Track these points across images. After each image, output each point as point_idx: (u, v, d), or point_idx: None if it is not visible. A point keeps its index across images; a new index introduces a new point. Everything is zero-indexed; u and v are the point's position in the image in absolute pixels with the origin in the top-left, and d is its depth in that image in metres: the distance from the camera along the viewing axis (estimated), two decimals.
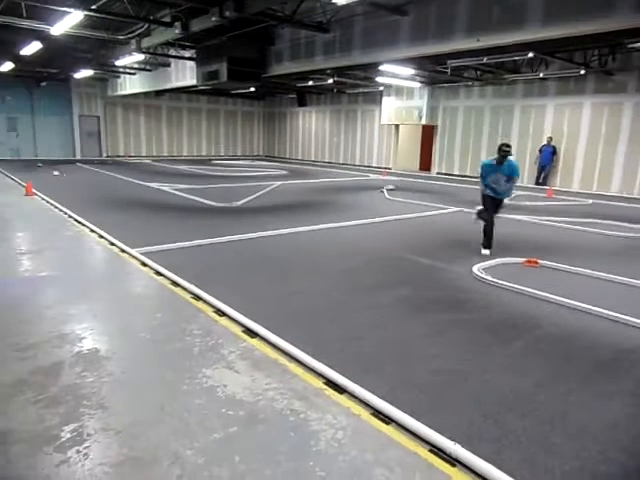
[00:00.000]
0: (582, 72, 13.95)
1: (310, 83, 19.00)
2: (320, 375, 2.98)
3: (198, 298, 4.26)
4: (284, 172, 18.92)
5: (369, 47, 10.19)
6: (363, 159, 23.14)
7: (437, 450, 2.34)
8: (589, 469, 2.33)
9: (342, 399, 2.73)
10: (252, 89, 21.27)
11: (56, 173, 11.46)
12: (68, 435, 2.31)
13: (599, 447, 2.49)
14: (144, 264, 5.28)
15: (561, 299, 4.64)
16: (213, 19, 9.20)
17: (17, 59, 15.61)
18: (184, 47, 13.91)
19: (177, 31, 10.37)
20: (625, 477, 2.33)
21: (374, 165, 22.44)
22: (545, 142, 16.00)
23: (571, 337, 3.90)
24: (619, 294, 5.05)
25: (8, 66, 16.88)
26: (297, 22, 10.41)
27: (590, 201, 12.78)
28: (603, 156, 14.87)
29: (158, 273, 4.97)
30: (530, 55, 11.74)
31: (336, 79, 17.24)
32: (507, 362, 3.44)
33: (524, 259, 6.09)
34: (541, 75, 14.98)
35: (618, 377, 3.26)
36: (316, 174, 18.73)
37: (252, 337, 3.49)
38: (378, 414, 2.62)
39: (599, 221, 9.36)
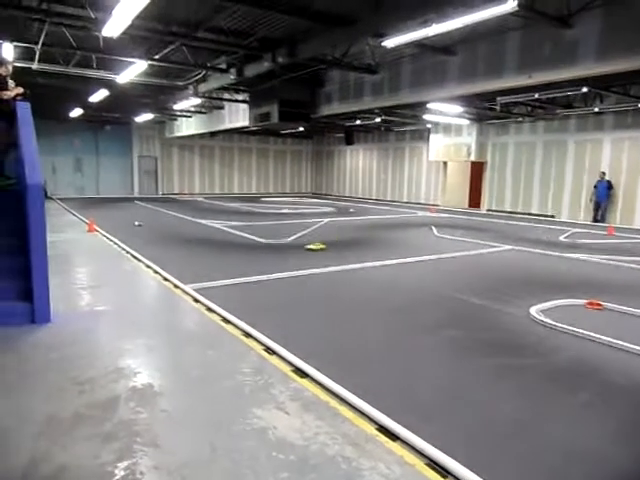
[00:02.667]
0: None
1: (358, 122, 19.36)
2: (372, 420, 2.89)
3: (248, 335, 4.28)
4: (332, 209, 19.11)
5: (417, 87, 10.32)
6: (411, 196, 23.06)
7: None
8: None
9: (395, 447, 2.63)
10: (301, 129, 21.91)
11: (137, 223, 11.78)
12: (122, 473, 2.34)
13: None
14: (196, 300, 5.40)
15: (628, 345, 4.33)
16: (266, 64, 9.65)
17: (86, 106, 16.90)
18: (238, 91, 14.61)
19: (232, 77, 10.93)
20: None
21: (422, 202, 22.29)
22: (599, 177, 15.42)
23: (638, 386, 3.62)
24: None
25: (78, 112, 18.30)
26: (346, 65, 10.75)
27: None
28: None
29: (209, 309, 5.06)
30: (584, 90, 11.49)
31: (384, 117, 17.48)
32: (569, 413, 3.22)
33: (586, 301, 5.78)
34: (596, 109, 14.58)
35: None
36: (364, 211, 18.80)
37: (302, 377, 3.45)
38: (433, 464, 2.50)
39: None
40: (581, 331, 4.69)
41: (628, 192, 15.06)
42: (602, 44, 7.13)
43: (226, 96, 15.75)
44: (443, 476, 2.41)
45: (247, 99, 14.80)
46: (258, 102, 13.79)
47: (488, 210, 19.14)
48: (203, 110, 18.96)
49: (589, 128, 15.93)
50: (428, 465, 2.50)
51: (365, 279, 7.08)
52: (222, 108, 17.92)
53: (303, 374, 3.50)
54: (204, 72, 12.24)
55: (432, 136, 20.34)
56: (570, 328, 4.79)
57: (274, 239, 10.30)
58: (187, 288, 5.85)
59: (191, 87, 13.49)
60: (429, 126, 20.20)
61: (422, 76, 10.29)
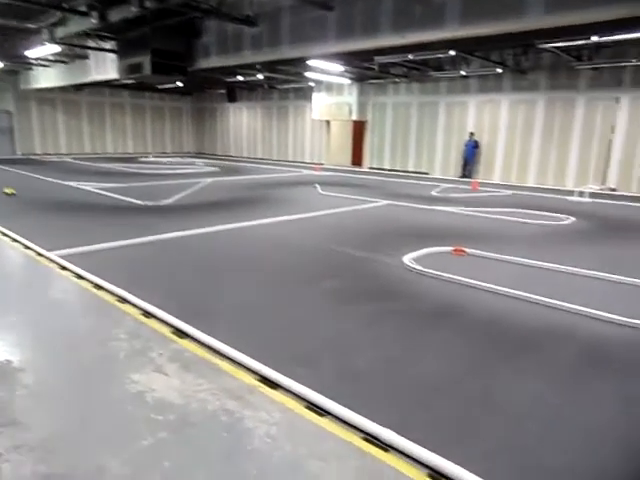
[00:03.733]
0: (499, 71, 14.76)
1: (240, 78, 18.71)
2: (254, 372, 2.93)
3: (124, 301, 4.04)
4: (215, 169, 18.52)
5: (297, 42, 10.16)
6: (296, 155, 23.14)
7: (371, 438, 2.36)
8: (511, 441, 2.45)
9: (276, 395, 2.70)
10: (179, 84, 20.60)
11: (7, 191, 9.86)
12: None
13: (518, 421, 2.63)
14: (64, 268, 4.94)
15: (487, 285, 4.87)
16: (133, 9, 8.80)
17: None
18: (104, 38, 13.18)
19: (94, 21, 9.82)
20: (541, 446, 2.47)
21: (307, 161, 22.51)
22: (467, 137, 16.81)
23: (497, 321, 4.10)
24: (539, 278, 5.38)
25: None
26: (223, 15, 10.19)
27: (510, 192, 13.58)
28: (520, 150, 15.84)
29: (79, 276, 4.67)
30: (452, 53, 12.24)
31: (266, 74, 17.09)
32: (437, 348, 3.56)
33: (452, 248, 6.35)
34: (462, 73, 15.68)
35: (536, 356, 3.47)
36: (248, 170, 18.50)
37: (182, 338, 3.37)
38: (313, 407, 2.61)
39: (518, 210, 9.96)
40: (447, 275, 5.16)
41: (489, 151, 16.62)
42: (465, 8, 7.58)
43: (90, 44, 14.13)
44: (321, 415, 2.53)
45: (115, 48, 13.44)
46: (128, 52, 12.60)
47: (369, 168, 19.95)
48: (64, 59, 16.87)
49: (457, 91, 17.11)
50: (307, 407, 2.60)
51: (249, 237, 7.03)
52: (87, 58, 16.09)
53: (183, 334, 3.41)
54: (60, 14, 10.81)
55: (315, 95, 20.41)
56: (438, 273, 5.25)
57: (153, 201, 9.74)
58: (52, 255, 5.32)
59: (46, 31, 11.86)
60: (312, 85, 20.21)
61: (302, 31, 10.15)
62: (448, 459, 2.19)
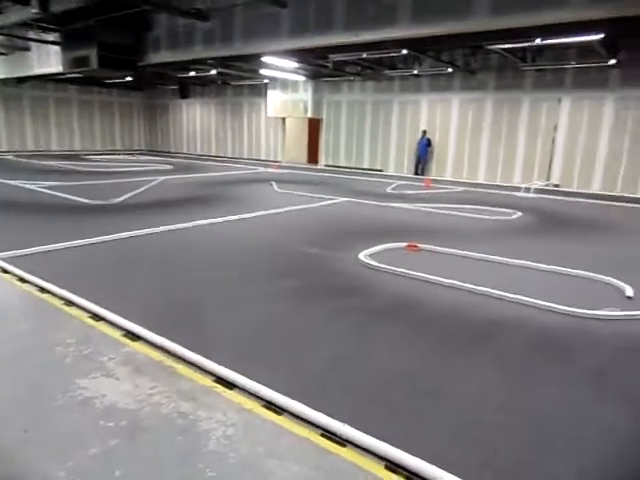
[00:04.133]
0: (450, 70, 15.15)
1: (192, 74, 18.32)
2: (209, 373, 2.87)
3: (71, 303, 3.87)
4: (168, 167, 18.07)
5: (250, 38, 10.05)
6: (251, 152, 22.91)
7: (328, 434, 2.37)
8: (465, 431, 2.52)
9: (233, 395, 2.66)
10: (129, 78, 19.93)
11: None
12: None
13: (472, 412, 2.71)
14: (5, 271, 4.68)
15: (440, 279, 4.99)
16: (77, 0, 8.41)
17: None
18: (46, 29, 12.56)
19: (34, 10, 9.33)
20: (494, 434, 2.55)
21: (263, 158, 22.34)
22: (420, 135, 17.17)
23: (449, 314, 4.21)
24: (489, 271, 5.57)
25: None
26: (174, 8, 9.94)
27: (461, 188, 13.99)
28: (470, 147, 16.33)
29: (22, 280, 4.43)
30: (404, 52, 12.44)
31: (219, 70, 16.80)
32: (393, 342, 3.61)
33: (406, 244, 6.47)
34: (415, 72, 15.98)
35: (487, 347, 3.59)
36: (203, 168, 18.16)
37: (134, 340, 3.26)
38: (270, 406, 2.59)
39: (469, 206, 10.27)
40: (402, 270, 5.25)
41: (441, 148, 17.04)
42: (416, 9, 7.73)
43: (32, 35, 13.44)
44: (278, 414, 2.52)
45: (59, 40, 12.83)
46: (73, 44, 12.05)
47: (325, 165, 20.02)
48: (3, 51, 15.97)
49: (410, 89, 17.43)
50: (265, 407, 2.58)
51: (204, 236, 6.90)
52: (28, 49, 15.30)
53: (135, 337, 3.30)
54: None
55: (270, 92, 20.27)
56: (393, 268, 5.33)
57: (102, 200, 9.38)
58: None
59: None
60: (267, 81, 20.05)
61: (255, 27, 10.04)
62: (404, 450, 2.23)
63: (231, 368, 2.87)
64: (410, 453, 2.20)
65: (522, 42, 10.88)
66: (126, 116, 26.81)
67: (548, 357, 3.43)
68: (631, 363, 3.39)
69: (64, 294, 4.01)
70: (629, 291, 4.77)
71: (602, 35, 9.40)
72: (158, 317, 3.80)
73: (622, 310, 4.25)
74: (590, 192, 13.85)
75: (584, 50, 12.70)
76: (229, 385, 2.75)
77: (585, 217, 9.65)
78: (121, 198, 9.73)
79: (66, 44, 12.40)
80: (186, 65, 15.72)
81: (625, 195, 13.28)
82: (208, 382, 2.78)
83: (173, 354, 3.09)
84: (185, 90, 22.09)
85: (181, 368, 2.93)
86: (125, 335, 3.34)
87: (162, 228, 7.05)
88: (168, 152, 26.24)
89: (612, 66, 12.85)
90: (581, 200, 12.20)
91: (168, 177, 14.26)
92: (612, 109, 13.63)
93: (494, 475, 2.24)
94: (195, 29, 11.08)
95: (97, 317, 3.62)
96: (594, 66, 13.23)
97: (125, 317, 3.56)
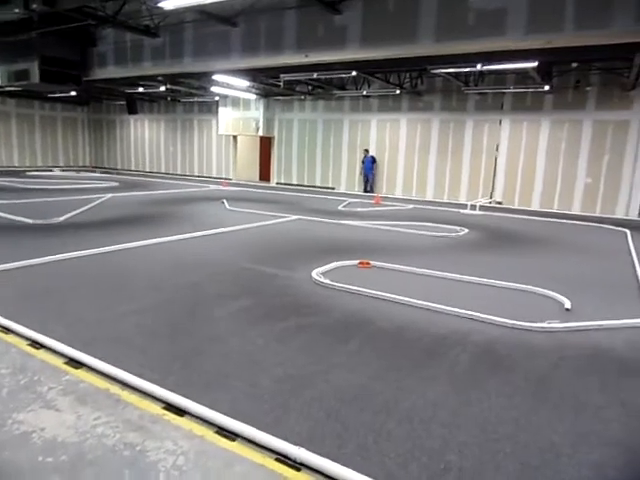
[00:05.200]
0: (398, 92, 15.66)
1: (141, 90, 17.98)
2: (158, 400, 2.77)
3: (7, 331, 3.64)
4: (115, 184, 17.52)
5: (200, 56, 10.02)
6: (202, 170, 22.64)
7: (283, 457, 2.34)
8: (418, 446, 2.55)
9: (183, 422, 2.58)
10: (74, 93, 19.29)
11: None
12: None
13: (425, 425, 2.75)
14: None
15: (391, 296, 5.08)
16: (17, 11, 8.11)
17: None
18: None
19: None
20: (446, 447, 2.60)
21: (214, 176, 22.12)
22: (364, 154, 17.59)
23: (400, 330, 4.28)
24: (438, 287, 5.72)
25: None
26: (120, 23, 9.76)
27: (411, 206, 14.37)
28: (419, 166, 16.87)
29: None
30: (354, 74, 12.77)
31: (169, 87, 16.59)
32: (346, 360, 3.62)
33: (358, 261, 6.55)
34: (364, 93, 16.41)
35: (437, 361, 3.67)
36: (151, 185, 17.73)
37: (77, 368, 3.10)
38: (223, 431, 2.53)
39: (418, 223, 10.56)
40: (354, 288, 5.31)
41: (391, 167, 17.50)
42: (364, 32, 7.99)
43: None
44: (232, 440, 2.46)
45: None
46: (12, 57, 11.58)
47: (277, 183, 20.06)
48: None
49: (360, 109, 17.86)
50: (217, 433, 2.52)
51: (151, 256, 6.71)
52: None
53: (78, 364, 3.15)
54: None
55: (221, 109, 20.19)
56: (345, 286, 5.38)
57: (43, 219, 8.95)
58: None
59: None
60: (218, 99, 19.97)
61: (206, 45, 10.03)
62: (359, 471, 2.23)
63: (181, 394, 2.79)
64: (365, 474, 2.20)
65: (465, 67, 11.44)
66: (70, 131, 25.88)
67: (493, 369, 3.54)
68: (569, 372, 3.56)
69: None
70: (567, 303, 5.03)
71: (536, 63, 10.04)
72: (102, 343, 3.64)
73: (561, 322, 4.47)
74: (530, 209, 14.60)
75: (521, 76, 13.52)
76: (179, 412, 2.66)
77: (526, 233, 10.14)
78: (64, 217, 9.32)
79: (4, 56, 11.88)
80: (134, 81, 15.43)
81: (560, 212, 14.10)
82: (157, 409, 2.68)
83: (119, 381, 2.96)
84: (133, 106, 21.60)
85: (128, 396, 2.81)
86: (67, 363, 3.18)
87: (106, 248, 6.80)
88: (115, 169, 25.49)
89: (546, 91, 13.72)
90: (522, 217, 12.83)
91: (115, 195, 13.82)
92: (547, 131, 14.51)
93: None
94: (143, 45, 10.94)
95: (36, 344, 3.43)
96: (530, 91, 14.09)
97: (67, 343, 3.39)
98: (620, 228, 11.13)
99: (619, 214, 13.75)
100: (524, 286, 5.67)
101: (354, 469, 2.26)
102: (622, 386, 3.38)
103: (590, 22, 6.55)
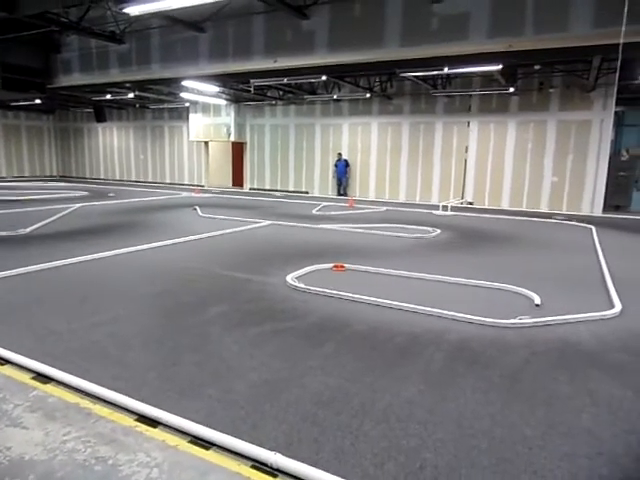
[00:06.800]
0: (368, 96, 15.82)
1: (108, 97, 17.67)
2: (131, 412, 2.72)
3: None
4: (84, 193, 17.14)
5: (168, 62, 9.92)
6: (174, 177, 22.37)
7: (259, 464, 2.32)
8: (395, 445, 2.57)
9: (157, 432, 2.53)
10: (38, 101, 18.81)
11: None
12: None
13: (401, 425, 2.77)
14: None
15: (366, 298, 5.11)
16: None
17: None
18: None
19: None
20: (422, 445, 2.62)
21: (186, 183, 21.88)
22: (337, 157, 17.70)
23: (375, 331, 4.31)
24: (412, 287, 5.78)
25: None
26: (85, 30, 9.58)
27: (384, 208, 14.50)
28: (391, 168, 17.06)
29: None
30: (324, 78, 12.84)
31: (137, 93, 16.35)
32: (321, 363, 3.62)
33: (332, 264, 6.57)
34: (335, 97, 16.52)
35: (412, 360, 3.70)
36: (122, 194, 17.41)
37: (45, 383, 3.02)
38: (197, 440, 2.49)
39: (392, 225, 10.67)
40: (329, 291, 5.32)
41: (363, 170, 17.64)
42: (332, 37, 8.05)
43: None
44: (206, 448, 2.43)
45: None
46: None
47: (251, 189, 19.98)
48: None
49: (331, 113, 17.96)
50: (192, 442, 2.48)
51: (123, 266, 6.59)
52: None
53: (47, 379, 3.06)
54: None
55: (191, 115, 20.02)
56: (320, 290, 5.38)
57: (9, 230, 8.68)
58: None
59: None
60: (188, 105, 19.79)
61: (173, 51, 9.93)
62: (336, 473, 2.23)
63: (154, 404, 2.74)
64: (341, 476, 2.20)
65: (432, 71, 11.62)
66: (35, 140, 25.22)
67: (467, 366, 3.60)
68: (540, 366, 3.64)
69: None
70: (537, 299, 5.15)
71: (501, 66, 10.29)
72: (73, 356, 3.55)
73: (532, 318, 4.58)
74: (500, 208, 14.93)
75: (487, 79, 13.84)
76: (152, 423, 2.62)
77: (496, 232, 10.36)
78: (30, 228, 9.07)
79: None
80: (101, 88, 15.15)
81: (529, 211, 14.46)
82: (129, 421, 2.62)
83: (90, 395, 2.89)
84: (101, 113, 21.21)
85: (99, 409, 2.75)
86: (35, 378, 3.09)
87: (75, 259, 6.64)
88: (84, 178, 24.96)
89: (512, 93, 14.08)
90: (493, 216, 13.09)
91: (84, 204, 13.51)
92: (514, 132, 14.87)
93: None
94: (109, 51, 10.76)
95: (1, 360, 3.32)
96: (496, 93, 14.42)
97: (35, 358, 3.29)
98: (586, 225, 11.48)
99: (585, 211, 14.19)
100: (496, 284, 5.79)
101: (331, 472, 2.26)
102: (589, 377, 3.48)
103: (549, 26, 6.76)
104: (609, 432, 2.76)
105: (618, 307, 4.96)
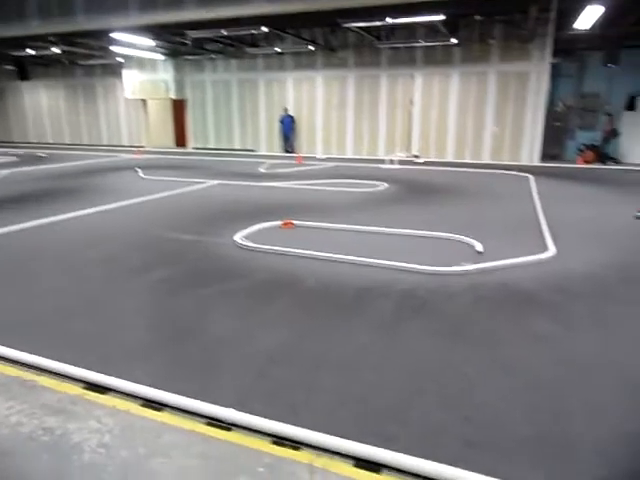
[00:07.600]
0: (312, 49, 15.39)
1: (31, 52, 16.23)
2: (78, 380, 2.65)
3: None
4: (13, 158, 15.98)
5: (95, 12, 9.18)
6: (112, 138, 21.21)
7: (215, 421, 2.34)
8: (348, 394, 2.66)
9: (106, 399, 2.49)
10: None
11: None
12: None
13: (353, 374, 2.87)
14: None
15: (316, 253, 5.14)
16: None
17: None
18: None
19: None
20: (375, 390, 2.73)
21: (125, 144, 20.82)
22: (282, 113, 17.31)
23: (326, 285, 4.37)
24: (361, 241, 5.87)
25: None
26: None
27: (332, 164, 14.45)
28: (337, 123, 16.89)
29: None
30: (264, 29, 12.33)
31: (64, 48, 15.12)
32: (272, 320, 3.65)
33: (281, 222, 6.53)
34: (278, 50, 15.96)
35: (362, 312, 3.80)
36: (56, 158, 16.37)
37: None
38: (149, 403, 2.48)
39: (340, 180, 10.68)
40: (278, 249, 5.31)
41: (310, 125, 17.38)
42: None
43: None
44: (159, 410, 2.42)
45: None
46: None
47: (195, 148, 19.30)
48: None
49: (274, 68, 17.39)
50: (144, 405, 2.47)
51: (62, 233, 6.27)
52: None
53: None
54: None
55: (125, 72, 18.82)
56: (269, 247, 5.36)
57: None
58: None
59: None
60: (121, 60, 18.55)
61: (100, 1, 9.17)
62: (292, 423, 2.29)
63: (102, 371, 2.68)
64: (296, 425, 2.26)
65: (375, 21, 11.39)
66: None
67: (416, 314, 3.74)
68: (484, 310, 3.84)
69: None
70: (479, 247, 5.37)
71: (442, 16, 10.22)
72: (9, 327, 3.39)
73: (474, 264, 4.78)
74: (445, 161, 15.24)
75: (431, 30, 13.74)
76: (102, 390, 2.57)
77: (441, 184, 10.60)
78: None
79: None
80: (21, 42, 13.88)
81: (472, 162, 14.86)
82: (77, 390, 2.57)
83: (34, 367, 2.79)
84: (24, 71, 19.53)
85: (45, 380, 2.66)
86: None
87: (8, 229, 6.25)
88: (11, 142, 23.18)
89: (454, 44, 14.10)
90: (438, 168, 13.36)
91: (14, 170, 12.62)
92: (457, 84, 15.01)
93: (376, 431, 2.39)
94: (27, 0, 9.80)
95: None
96: (440, 45, 14.40)
97: None
98: (524, 174, 11.95)
99: (524, 161, 14.73)
100: (441, 234, 5.97)
101: (283, 421, 2.31)
102: (527, 316, 3.70)
103: None
104: (543, 363, 2.97)
105: (553, 250, 5.27)
